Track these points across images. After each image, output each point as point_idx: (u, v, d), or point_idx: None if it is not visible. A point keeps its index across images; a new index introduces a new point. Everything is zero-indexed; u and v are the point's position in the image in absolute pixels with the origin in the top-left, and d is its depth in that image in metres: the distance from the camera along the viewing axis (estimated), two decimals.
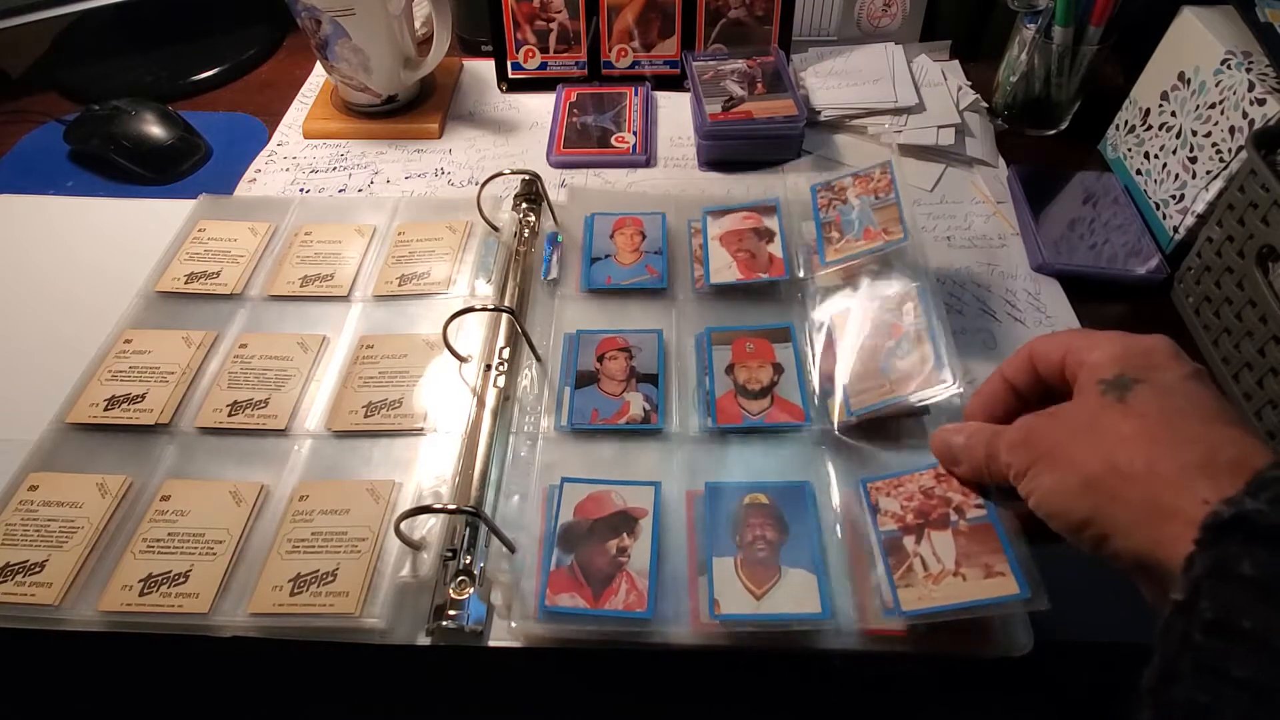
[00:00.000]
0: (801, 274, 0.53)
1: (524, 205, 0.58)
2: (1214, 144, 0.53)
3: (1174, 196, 0.56)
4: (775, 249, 0.54)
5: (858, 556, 0.40)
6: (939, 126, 0.66)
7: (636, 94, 0.71)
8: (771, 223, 0.55)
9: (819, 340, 0.49)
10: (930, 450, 0.38)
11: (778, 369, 0.48)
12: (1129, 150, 0.63)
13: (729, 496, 0.42)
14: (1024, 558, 0.35)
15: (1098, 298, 0.55)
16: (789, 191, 0.63)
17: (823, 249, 0.52)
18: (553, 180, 0.64)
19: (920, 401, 0.42)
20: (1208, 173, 0.53)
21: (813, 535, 0.40)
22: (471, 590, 0.39)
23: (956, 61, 0.75)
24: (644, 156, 0.66)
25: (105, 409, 0.47)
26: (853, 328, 0.48)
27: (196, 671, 0.44)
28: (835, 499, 0.42)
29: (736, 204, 0.57)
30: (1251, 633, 0.20)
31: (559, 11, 0.70)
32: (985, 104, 0.70)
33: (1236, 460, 0.24)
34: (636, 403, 0.47)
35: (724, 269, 0.53)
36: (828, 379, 0.47)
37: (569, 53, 0.72)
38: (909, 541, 0.38)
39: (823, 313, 0.50)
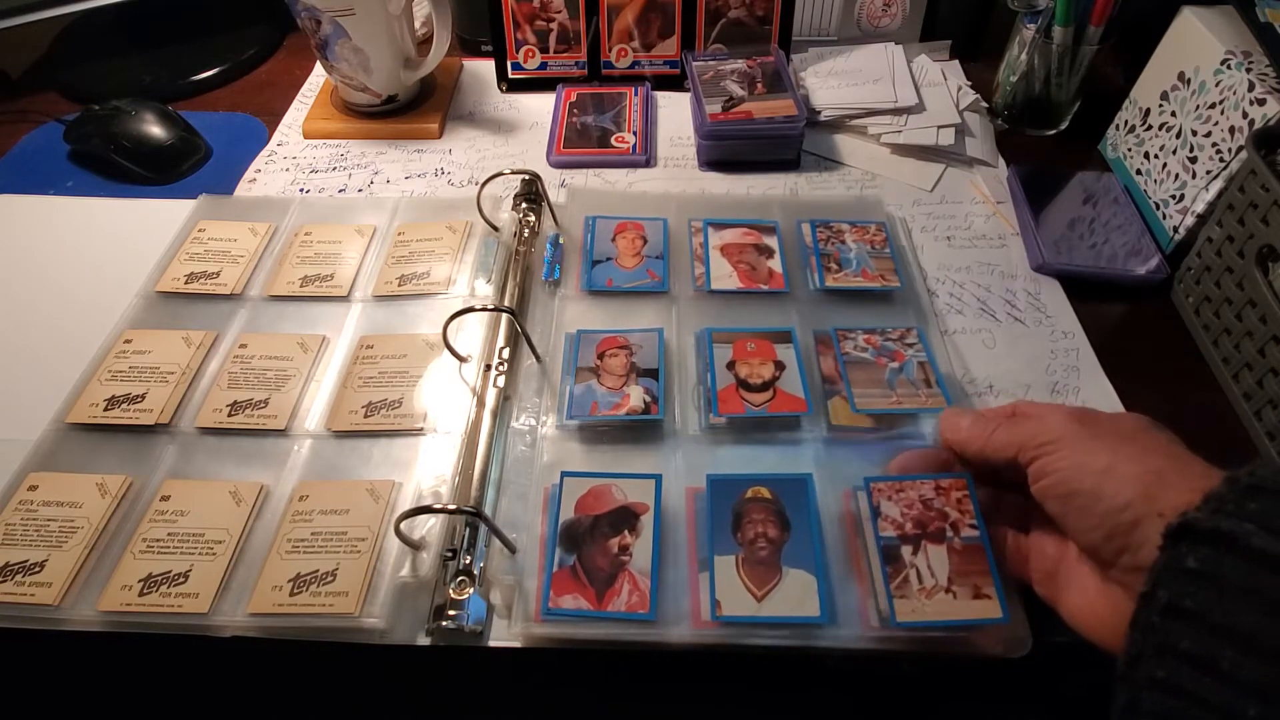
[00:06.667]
0: (801, 289, 0.54)
1: (524, 205, 0.58)
2: (1214, 144, 0.53)
3: (1174, 196, 0.56)
4: (775, 264, 0.55)
5: (856, 555, 0.40)
6: (939, 126, 0.66)
7: (636, 94, 0.71)
8: (771, 241, 0.56)
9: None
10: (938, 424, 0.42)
11: (779, 365, 0.48)
12: (1129, 150, 0.63)
13: (730, 489, 0.42)
14: (1009, 583, 0.37)
15: (1097, 298, 0.55)
16: (788, 192, 0.64)
17: (821, 274, 0.54)
18: (553, 180, 0.64)
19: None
20: (1208, 173, 0.53)
21: (814, 533, 0.40)
22: (471, 590, 0.39)
23: (956, 61, 0.75)
24: (644, 156, 0.66)
25: (105, 409, 0.47)
26: (856, 337, 0.50)
27: (196, 671, 0.44)
28: (836, 493, 0.42)
29: (736, 219, 0.58)
30: (1192, 611, 0.24)
31: (559, 11, 0.70)
32: (985, 104, 0.70)
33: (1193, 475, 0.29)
34: (636, 394, 0.47)
35: (724, 277, 0.54)
36: (831, 375, 0.48)
37: (569, 53, 0.72)
38: (906, 551, 0.39)
39: (825, 319, 0.51)
